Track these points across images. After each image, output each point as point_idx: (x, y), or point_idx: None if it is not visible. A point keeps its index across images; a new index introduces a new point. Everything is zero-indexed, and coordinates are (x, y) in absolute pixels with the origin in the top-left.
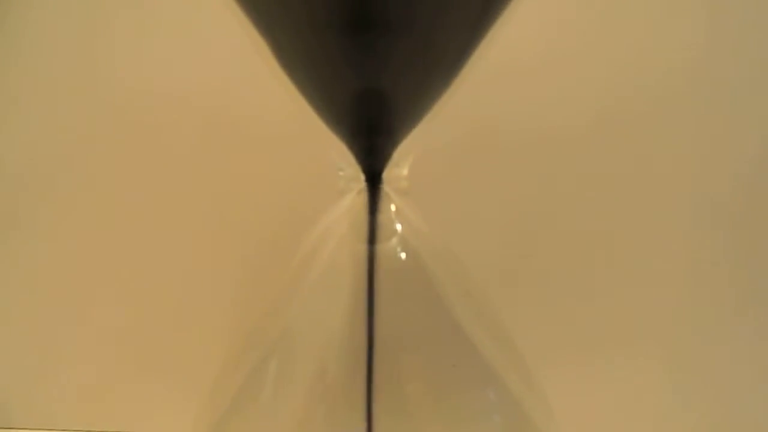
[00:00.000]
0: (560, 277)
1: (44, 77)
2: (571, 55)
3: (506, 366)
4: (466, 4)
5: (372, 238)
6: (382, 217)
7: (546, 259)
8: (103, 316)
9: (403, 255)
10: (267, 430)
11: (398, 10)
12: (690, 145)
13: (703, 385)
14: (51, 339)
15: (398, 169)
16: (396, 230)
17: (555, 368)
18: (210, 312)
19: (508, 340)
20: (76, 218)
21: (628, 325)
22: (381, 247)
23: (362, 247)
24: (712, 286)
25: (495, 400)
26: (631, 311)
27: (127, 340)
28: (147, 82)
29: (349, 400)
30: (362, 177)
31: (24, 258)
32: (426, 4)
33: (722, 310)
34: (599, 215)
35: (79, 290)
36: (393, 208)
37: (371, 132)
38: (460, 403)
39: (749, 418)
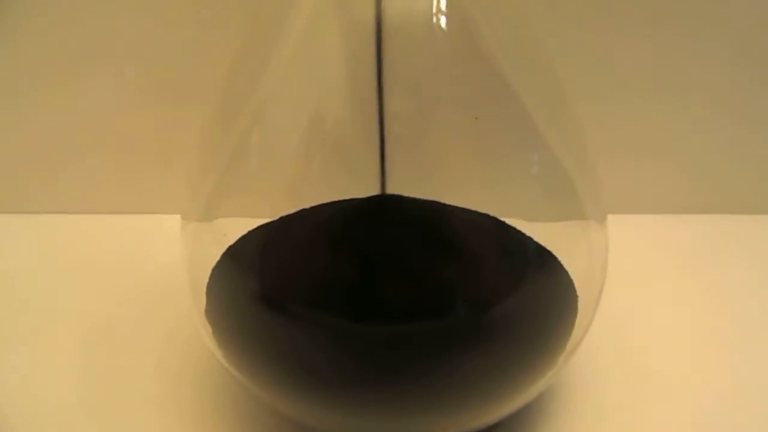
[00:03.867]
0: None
1: None
2: None
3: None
4: None
5: None
6: None
7: None
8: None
9: None
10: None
11: None
12: None
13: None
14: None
15: None
16: None
17: (594, 107)
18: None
19: (546, 79)
20: None
21: (683, 71)
22: None
23: None
24: None
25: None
26: (689, 57)
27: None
28: None
29: (360, 157)
30: None
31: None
32: None
33: None
34: None
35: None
36: None
37: None
38: (487, 152)
39: None
